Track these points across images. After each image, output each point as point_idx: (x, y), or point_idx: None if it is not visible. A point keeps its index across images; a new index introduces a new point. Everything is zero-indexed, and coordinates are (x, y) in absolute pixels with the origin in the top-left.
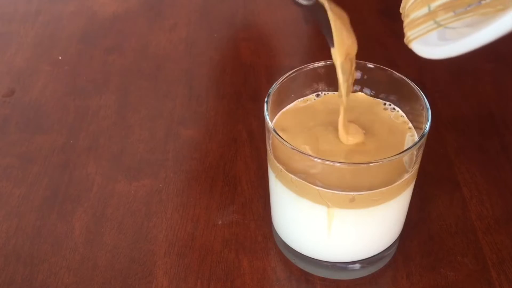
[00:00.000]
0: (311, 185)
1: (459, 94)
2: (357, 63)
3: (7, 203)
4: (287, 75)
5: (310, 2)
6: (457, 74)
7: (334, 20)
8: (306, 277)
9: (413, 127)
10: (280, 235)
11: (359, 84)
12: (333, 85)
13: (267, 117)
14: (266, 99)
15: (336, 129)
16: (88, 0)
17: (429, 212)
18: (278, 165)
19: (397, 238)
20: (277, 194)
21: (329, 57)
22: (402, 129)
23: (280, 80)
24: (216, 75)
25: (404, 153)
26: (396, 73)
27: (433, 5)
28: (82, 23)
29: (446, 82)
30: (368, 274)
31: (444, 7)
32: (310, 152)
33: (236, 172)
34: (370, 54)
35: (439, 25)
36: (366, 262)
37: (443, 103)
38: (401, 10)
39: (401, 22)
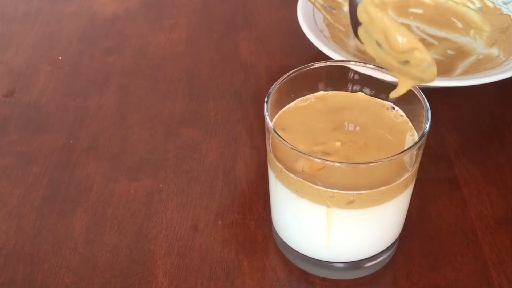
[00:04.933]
0: (311, 184)
1: (459, 94)
2: (358, 63)
3: (7, 203)
4: (287, 75)
5: None
6: None
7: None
8: (306, 277)
9: (413, 127)
10: (280, 235)
11: (359, 84)
12: (333, 85)
13: (267, 117)
14: (266, 99)
15: (336, 129)
16: (88, 0)
17: (429, 212)
18: (278, 165)
19: (397, 238)
20: (277, 194)
21: (329, 57)
22: (402, 128)
23: (280, 80)
24: (216, 75)
25: (404, 153)
26: None
27: None
28: (82, 23)
29: None
30: (368, 274)
31: None
32: (310, 152)
33: (236, 172)
34: None
35: None
36: (366, 262)
37: (443, 103)
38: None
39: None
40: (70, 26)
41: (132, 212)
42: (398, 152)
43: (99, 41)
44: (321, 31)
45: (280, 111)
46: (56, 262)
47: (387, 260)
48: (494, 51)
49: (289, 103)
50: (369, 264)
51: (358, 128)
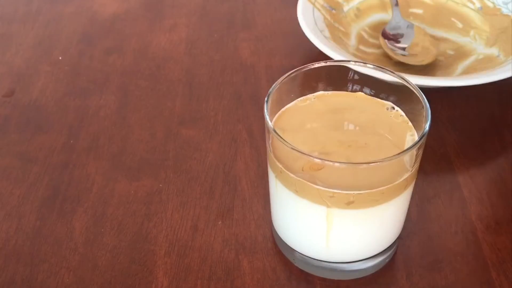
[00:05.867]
0: (311, 184)
1: (459, 94)
2: (357, 63)
3: (7, 203)
4: (287, 75)
5: None
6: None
7: None
8: (306, 277)
9: (413, 127)
10: (280, 235)
11: (359, 84)
12: (333, 85)
13: (267, 117)
14: (266, 99)
15: (336, 129)
16: (88, 0)
17: (429, 212)
18: (278, 165)
19: (397, 238)
20: (277, 194)
21: (329, 57)
22: (402, 128)
23: (280, 80)
24: (216, 75)
25: (404, 153)
26: (396, 73)
27: None
28: (82, 23)
29: None
30: (368, 274)
31: None
32: (310, 152)
33: (236, 172)
34: None
35: None
36: (365, 262)
37: (443, 103)
38: None
39: None
40: (70, 26)
41: (132, 212)
42: (398, 152)
43: (99, 41)
44: (321, 31)
45: (280, 111)
46: (56, 262)
47: (387, 260)
48: (494, 51)
49: (289, 103)
50: (369, 264)
51: (358, 128)
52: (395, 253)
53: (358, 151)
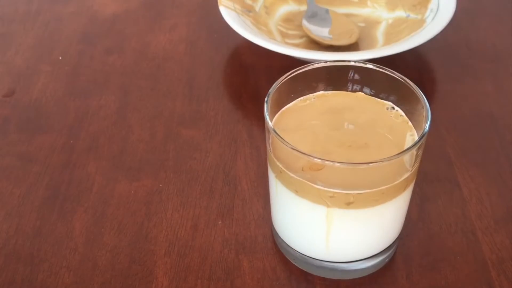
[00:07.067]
0: (311, 184)
1: (459, 94)
2: (358, 63)
3: (7, 203)
4: (287, 75)
5: None
6: (457, 74)
7: None
8: (306, 277)
9: (413, 127)
10: (280, 235)
11: (359, 84)
12: (333, 85)
13: (267, 117)
14: (266, 99)
15: (336, 129)
16: (88, 0)
17: (429, 212)
18: (278, 164)
19: (397, 238)
20: (277, 194)
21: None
22: (402, 128)
23: (280, 80)
24: (216, 75)
25: (404, 153)
26: (396, 73)
27: None
28: (82, 23)
29: (446, 82)
30: (368, 274)
31: None
32: (310, 152)
33: (236, 172)
34: None
35: None
36: (365, 262)
37: (443, 103)
38: None
39: None
40: (70, 26)
41: (132, 212)
42: (398, 152)
43: (99, 41)
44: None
45: (280, 111)
46: (56, 262)
47: (387, 260)
48: (400, 13)
49: (289, 103)
50: (369, 264)
51: (358, 128)
52: (395, 253)
53: (358, 151)
